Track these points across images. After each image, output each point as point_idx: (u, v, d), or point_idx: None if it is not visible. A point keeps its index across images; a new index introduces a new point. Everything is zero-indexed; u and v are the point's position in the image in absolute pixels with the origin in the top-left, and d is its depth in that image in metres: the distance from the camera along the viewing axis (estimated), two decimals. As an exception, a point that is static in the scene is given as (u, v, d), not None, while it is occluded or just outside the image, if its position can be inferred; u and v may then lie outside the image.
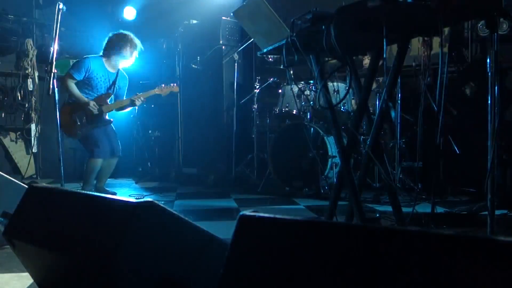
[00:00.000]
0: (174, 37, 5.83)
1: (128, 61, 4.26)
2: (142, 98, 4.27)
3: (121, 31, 4.25)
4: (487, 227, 2.04)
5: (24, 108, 5.97)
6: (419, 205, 3.47)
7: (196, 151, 5.72)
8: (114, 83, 4.27)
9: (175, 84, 4.50)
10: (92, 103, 4.08)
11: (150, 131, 6.05)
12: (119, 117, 4.68)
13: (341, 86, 4.43)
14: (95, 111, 4.09)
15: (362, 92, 2.42)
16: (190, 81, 5.75)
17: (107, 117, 4.23)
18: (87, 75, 4.09)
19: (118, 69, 4.30)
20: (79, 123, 4.10)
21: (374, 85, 4.44)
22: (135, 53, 4.25)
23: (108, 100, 4.23)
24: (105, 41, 4.22)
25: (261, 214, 0.97)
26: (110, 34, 4.23)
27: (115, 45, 4.16)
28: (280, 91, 4.86)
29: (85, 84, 4.12)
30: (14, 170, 5.87)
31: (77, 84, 4.10)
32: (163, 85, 4.44)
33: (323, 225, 0.92)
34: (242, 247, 0.96)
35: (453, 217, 3.28)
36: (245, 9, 2.58)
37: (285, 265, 0.89)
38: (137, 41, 4.23)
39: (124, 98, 4.35)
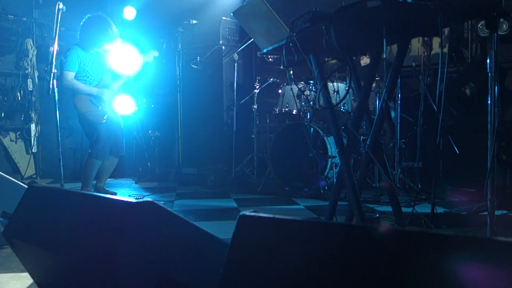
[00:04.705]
0: (174, 37, 5.83)
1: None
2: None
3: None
4: (487, 227, 2.05)
5: (24, 108, 5.97)
6: (419, 205, 3.47)
7: (196, 151, 5.72)
8: (106, 61, 4.24)
9: (152, 50, 4.56)
10: (107, 92, 4.08)
11: (150, 131, 6.04)
12: (119, 117, 4.68)
13: (341, 86, 4.44)
14: (112, 98, 4.12)
15: (361, 92, 2.42)
16: (190, 81, 5.75)
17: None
18: (82, 63, 4.02)
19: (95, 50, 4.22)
20: (99, 107, 4.06)
21: (374, 85, 4.45)
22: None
23: (110, 78, 4.22)
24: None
25: (261, 214, 0.97)
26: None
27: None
28: (280, 91, 4.86)
29: (82, 74, 4.05)
30: (14, 170, 5.87)
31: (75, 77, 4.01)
32: (143, 55, 4.47)
33: (323, 225, 0.92)
34: (242, 247, 0.96)
35: (453, 217, 3.28)
36: (245, 9, 2.58)
37: (285, 265, 0.89)
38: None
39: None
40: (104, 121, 4.06)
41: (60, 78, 3.70)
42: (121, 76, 4.27)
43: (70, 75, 3.95)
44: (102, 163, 4.18)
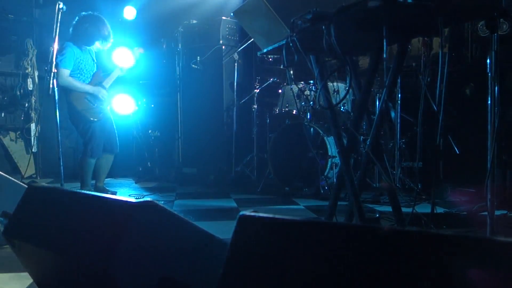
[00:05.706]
0: (174, 37, 5.83)
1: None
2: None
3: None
4: (487, 227, 2.05)
5: (24, 108, 5.97)
6: (419, 205, 3.47)
7: (196, 151, 5.72)
8: (94, 58, 4.26)
9: (136, 48, 4.53)
10: (102, 90, 4.11)
11: (150, 131, 6.04)
12: (119, 116, 4.68)
13: (341, 86, 4.44)
14: (107, 96, 4.16)
15: (361, 92, 2.41)
16: (190, 81, 5.75)
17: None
18: (77, 61, 4.04)
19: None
20: (95, 105, 4.08)
21: (374, 85, 4.45)
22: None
23: (102, 75, 4.23)
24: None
25: (261, 214, 0.97)
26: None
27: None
28: (280, 91, 4.87)
29: (76, 72, 4.06)
30: (14, 170, 5.87)
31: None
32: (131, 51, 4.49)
33: (322, 225, 0.92)
34: (242, 247, 0.96)
35: (453, 217, 3.28)
36: (245, 9, 2.58)
37: (284, 265, 0.89)
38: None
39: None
40: (97, 119, 4.07)
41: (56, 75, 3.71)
42: (112, 73, 4.27)
43: (66, 72, 3.96)
44: (99, 162, 4.19)
